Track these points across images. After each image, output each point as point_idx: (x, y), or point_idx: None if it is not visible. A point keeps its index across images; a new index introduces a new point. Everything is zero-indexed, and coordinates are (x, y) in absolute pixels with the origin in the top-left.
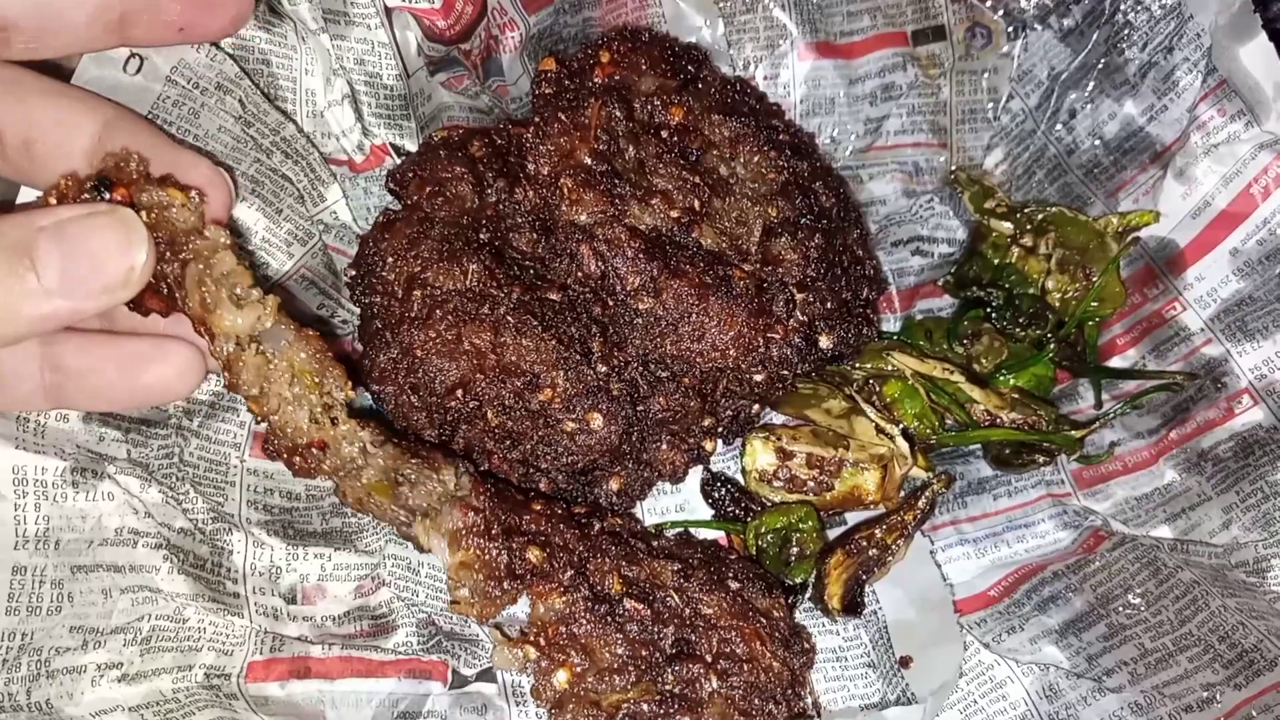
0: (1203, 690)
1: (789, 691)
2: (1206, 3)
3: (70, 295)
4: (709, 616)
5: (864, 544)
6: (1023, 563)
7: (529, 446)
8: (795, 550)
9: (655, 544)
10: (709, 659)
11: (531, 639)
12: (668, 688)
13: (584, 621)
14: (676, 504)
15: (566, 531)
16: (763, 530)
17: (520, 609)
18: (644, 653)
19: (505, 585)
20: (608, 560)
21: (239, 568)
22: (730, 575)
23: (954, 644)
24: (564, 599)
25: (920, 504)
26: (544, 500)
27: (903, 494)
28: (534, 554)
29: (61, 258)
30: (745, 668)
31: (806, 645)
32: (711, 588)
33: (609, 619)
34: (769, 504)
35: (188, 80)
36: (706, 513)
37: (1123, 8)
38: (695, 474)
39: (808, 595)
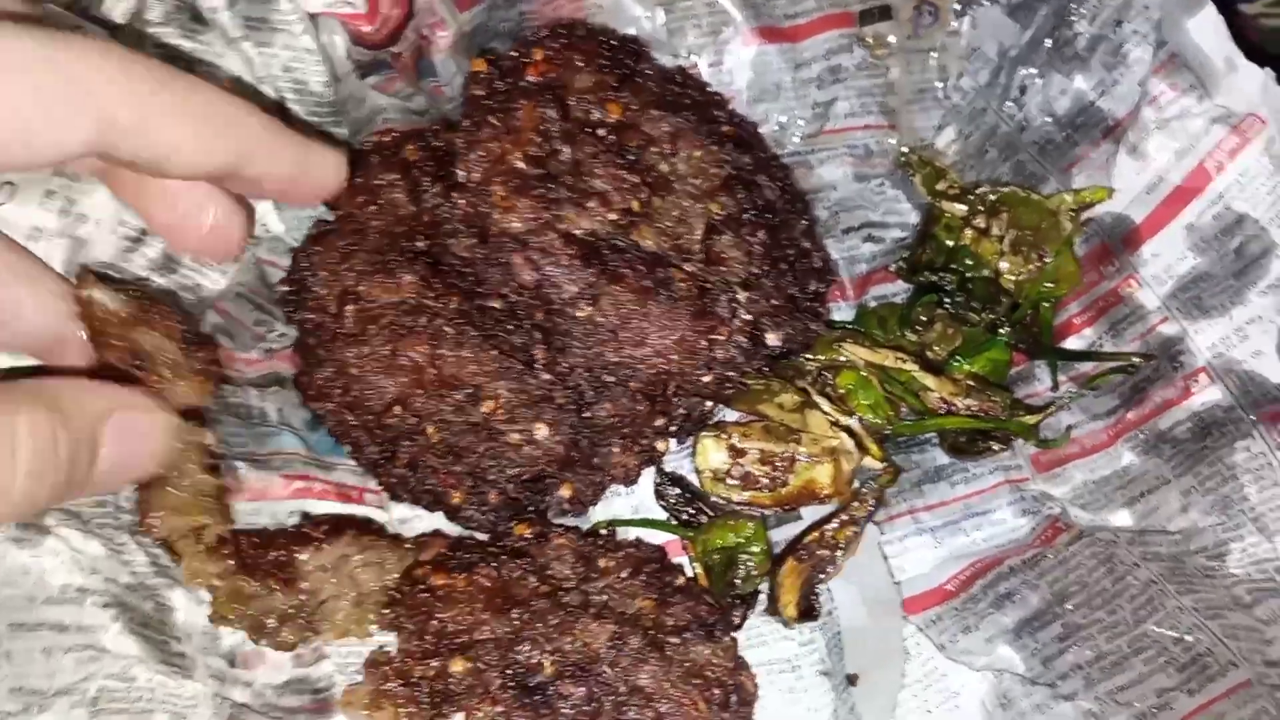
0: (1157, 696)
1: None
2: None
3: (109, 477)
4: (645, 688)
5: (815, 546)
6: (980, 554)
7: (474, 460)
8: (741, 572)
9: (600, 564)
10: None
11: None
12: None
13: (518, 717)
14: (631, 506)
15: (490, 616)
16: (709, 548)
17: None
18: None
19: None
20: (538, 637)
21: (182, 625)
22: (670, 623)
23: (896, 664)
24: (497, 707)
25: (868, 497)
26: (466, 574)
27: (856, 486)
28: (459, 666)
29: (117, 446)
30: None
31: (747, 691)
32: (647, 653)
33: (543, 707)
34: (724, 503)
35: None
36: (661, 513)
37: None
38: (650, 474)
39: (760, 609)
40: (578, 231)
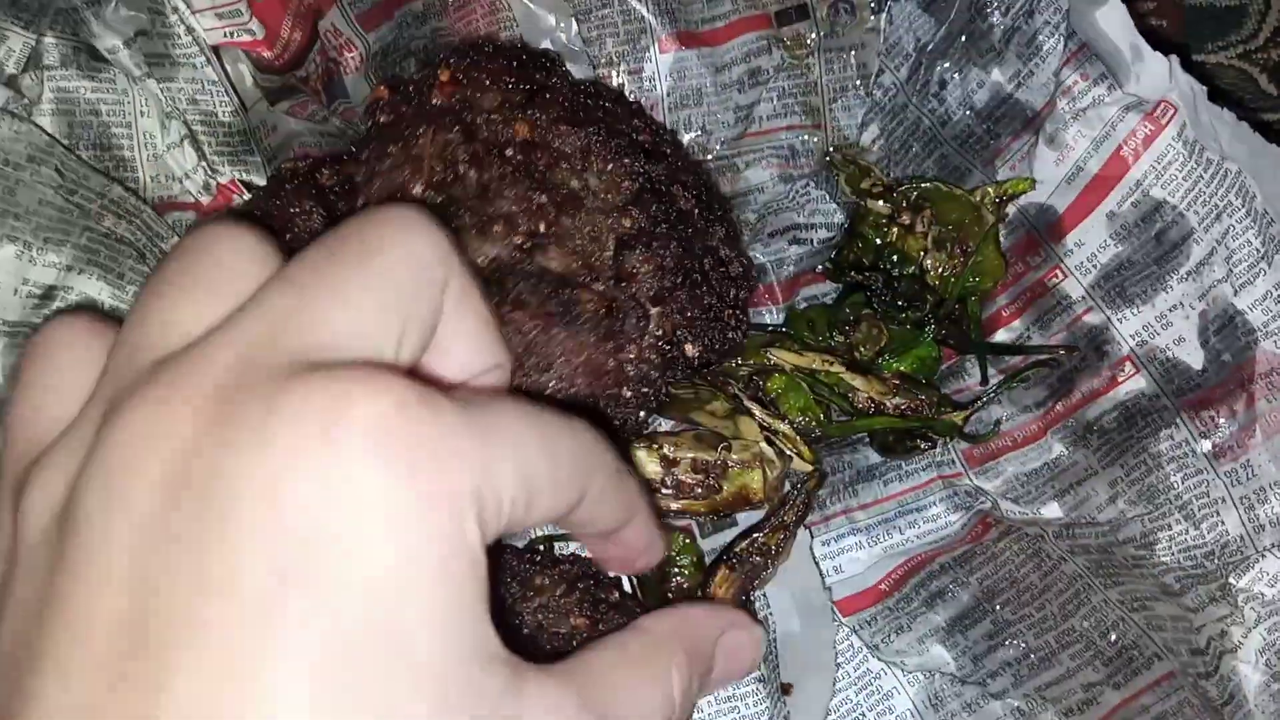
0: (1083, 691)
1: None
2: None
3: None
4: None
5: (746, 554)
6: (913, 552)
7: None
8: (673, 585)
9: (536, 583)
10: None
11: None
12: None
13: None
14: None
15: None
16: None
17: None
18: None
19: None
20: None
21: None
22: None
23: (828, 673)
24: None
25: (796, 502)
26: None
27: (787, 490)
28: None
29: (722, 667)
30: None
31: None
32: None
33: None
34: (667, 510)
35: None
36: None
37: None
38: None
39: None
40: (480, 259)
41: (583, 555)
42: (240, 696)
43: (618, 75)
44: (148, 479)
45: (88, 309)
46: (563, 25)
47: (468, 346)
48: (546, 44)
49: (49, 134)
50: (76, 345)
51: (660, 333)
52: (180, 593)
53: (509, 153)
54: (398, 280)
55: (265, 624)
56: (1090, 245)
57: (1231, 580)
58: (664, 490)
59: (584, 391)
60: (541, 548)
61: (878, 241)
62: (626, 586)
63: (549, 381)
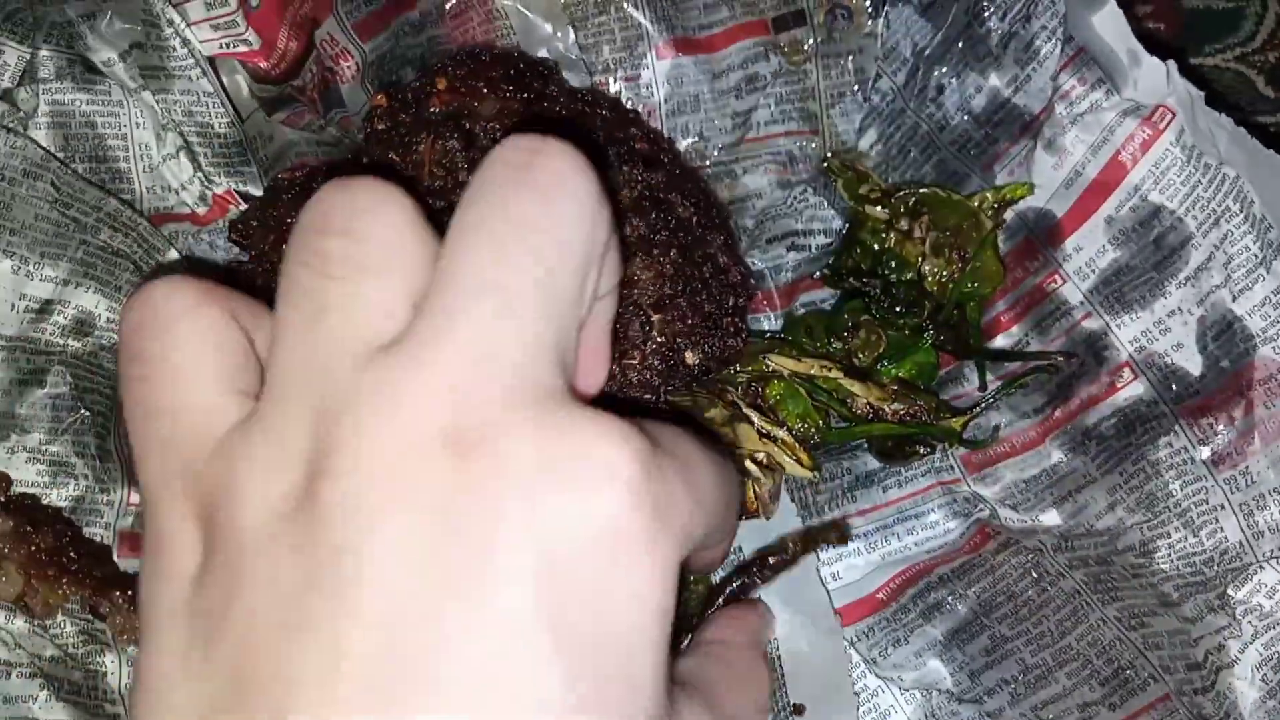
0: (1079, 711)
1: None
2: None
3: None
4: None
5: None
6: (912, 559)
7: None
8: (681, 609)
9: None
10: None
11: None
12: None
13: None
14: None
15: None
16: None
17: None
18: None
19: None
20: None
21: (115, 689)
22: None
23: (847, 698)
24: None
25: (771, 562)
26: None
27: (784, 500)
28: None
29: None
30: None
31: None
32: None
33: None
34: None
35: None
36: None
37: None
38: None
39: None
40: None
41: None
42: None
43: (614, 82)
44: (412, 516)
45: (182, 270)
46: (559, 33)
47: (607, 274)
48: (543, 52)
49: (44, 148)
50: (196, 318)
51: (661, 339)
52: (453, 633)
53: None
54: (582, 248)
55: (528, 671)
56: (1089, 250)
57: (1230, 591)
58: None
59: (586, 398)
60: None
61: (876, 247)
62: None
63: None
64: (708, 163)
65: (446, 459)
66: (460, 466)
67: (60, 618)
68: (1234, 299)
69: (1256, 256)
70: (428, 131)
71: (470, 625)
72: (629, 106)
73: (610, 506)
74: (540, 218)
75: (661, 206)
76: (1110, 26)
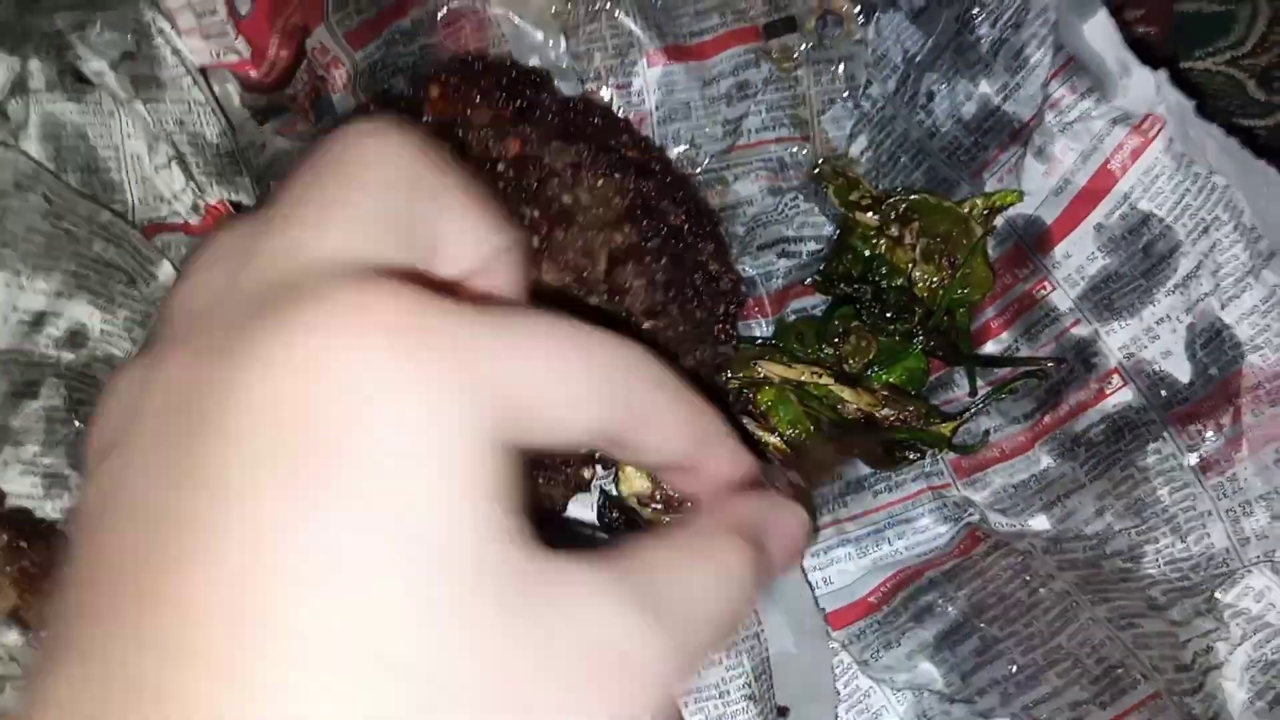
0: (1070, 710)
1: None
2: None
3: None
4: None
5: None
6: (902, 564)
7: None
8: None
9: None
10: None
11: None
12: None
13: None
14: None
15: None
16: None
17: None
18: None
19: None
20: None
21: None
22: None
23: (829, 701)
24: None
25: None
26: None
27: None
28: None
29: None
30: None
31: None
32: None
33: None
34: (659, 525)
35: None
36: (589, 538)
37: None
38: (578, 502)
39: None
40: None
41: None
42: (263, 583)
43: (606, 90)
44: (153, 402)
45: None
46: (551, 41)
47: (470, 233)
48: (535, 60)
49: (35, 160)
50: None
51: (653, 347)
52: (189, 504)
53: (501, 168)
54: (383, 194)
55: (284, 513)
56: (1078, 257)
57: (1218, 595)
58: (654, 505)
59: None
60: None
61: (866, 254)
62: None
63: None
64: (699, 170)
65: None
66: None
67: None
68: (1223, 307)
69: (1245, 265)
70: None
71: (224, 487)
72: (620, 114)
73: (372, 356)
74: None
75: (653, 214)
76: (1101, 35)
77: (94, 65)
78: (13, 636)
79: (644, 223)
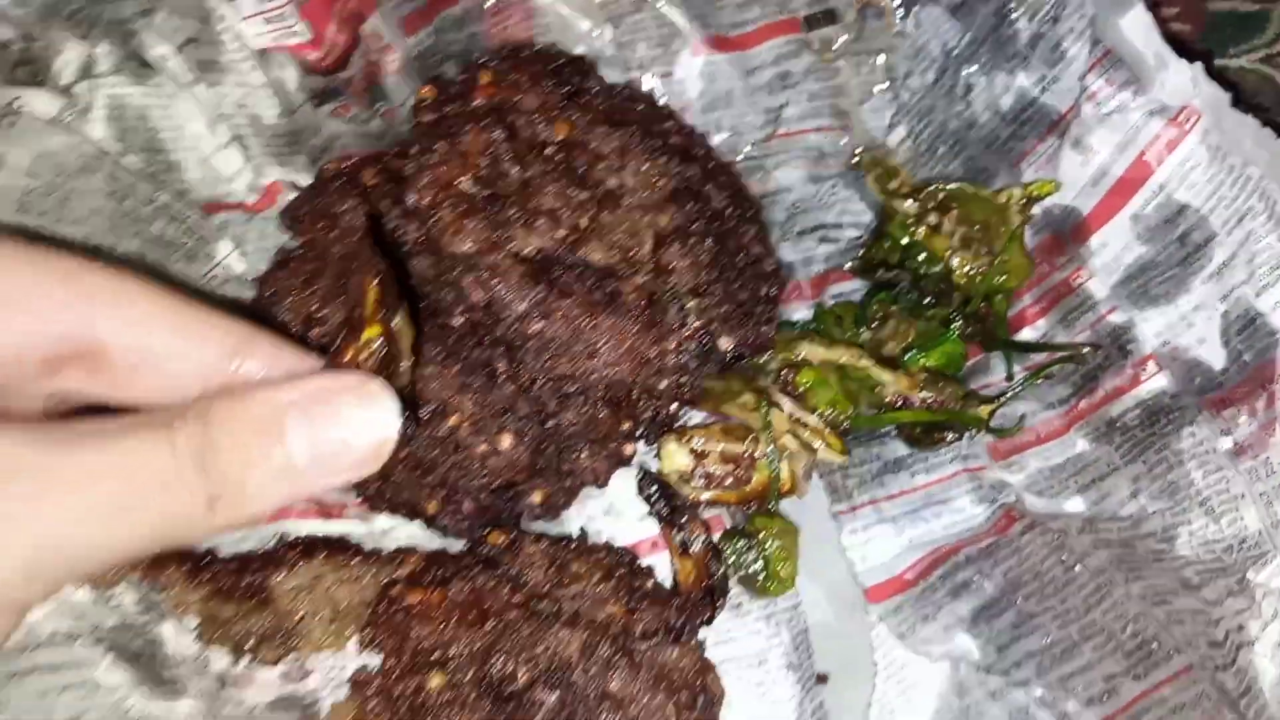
0: (1104, 682)
1: None
2: None
3: (322, 473)
4: (615, 694)
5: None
6: (939, 542)
7: (443, 472)
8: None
9: (573, 569)
10: None
11: None
12: None
13: None
14: (603, 507)
15: (465, 630)
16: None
17: None
18: None
19: None
20: (512, 648)
21: (172, 655)
22: (638, 629)
23: (867, 669)
24: (474, 716)
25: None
26: (440, 589)
27: (814, 480)
28: (435, 681)
29: (311, 434)
30: None
31: (713, 692)
32: (617, 660)
33: (518, 716)
34: (699, 501)
35: (51, 169)
36: (632, 512)
37: None
38: (621, 475)
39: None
40: (527, 250)
41: (617, 546)
42: None
43: (649, 79)
44: None
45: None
46: (596, 31)
47: None
48: (580, 48)
49: (100, 142)
50: None
51: (698, 324)
52: None
53: (549, 151)
54: None
55: None
56: (1114, 246)
57: (1250, 575)
58: (695, 481)
59: (627, 378)
60: (576, 535)
61: (905, 241)
62: (663, 577)
63: (597, 367)
64: (740, 157)
65: None
66: None
67: (121, 588)
68: (1257, 295)
69: (1279, 255)
70: (473, 122)
71: None
72: (663, 102)
73: None
74: None
75: (697, 198)
76: (1138, 29)
77: (158, 50)
78: (82, 594)
79: (688, 205)
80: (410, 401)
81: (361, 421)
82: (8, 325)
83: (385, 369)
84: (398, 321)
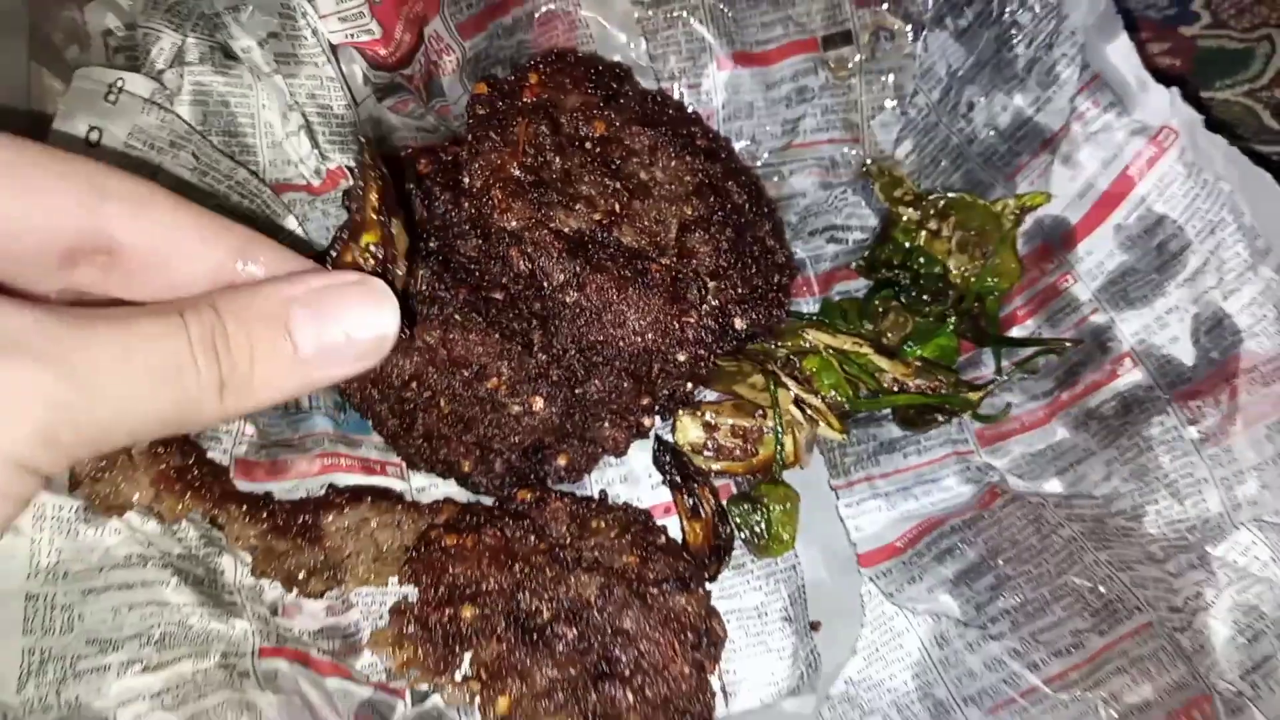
0: (1072, 636)
1: (696, 697)
2: (1079, 2)
3: (325, 364)
4: (628, 631)
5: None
6: (928, 515)
7: (481, 430)
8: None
9: (593, 525)
10: (627, 673)
11: (474, 676)
12: (592, 706)
13: (519, 653)
14: (620, 474)
15: (495, 570)
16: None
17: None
18: (572, 672)
19: (447, 659)
20: (537, 587)
21: (231, 584)
22: (651, 576)
23: (855, 617)
24: (501, 645)
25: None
26: (474, 534)
27: (815, 454)
28: (468, 613)
29: (317, 327)
30: (659, 679)
31: (717, 634)
32: (631, 601)
33: (540, 646)
34: (709, 471)
35: (144, 143)
36: (646, 480)
37: (1009, 8)
38: (637, 447)
39: (731, 555)
40: (566, 229)
41: (632, 506)
42: None
43: (679, 88)
44: None
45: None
46: (632, 43)
47: None
48: (618, 58)
49: (187, 122)
50: None
51: (716, 303)
52: None
53: (588, 145)
54: None
55: None
56: (1099, 254)
57: (1209, 549)
58: (706, 452)
59: (651, 346)
60: (598, 495)
61: (907, 244)
62: (675, 533)
63: (624, 335)
64: (758, 163)
65: None
66: None
67: (185, 524)
68: (1225, 298)
69: (1246, 261)
70: (522, 117)
71: None
72: (691, 109)
73: None
74: None
75: (719, 193)
76: (1122, 55)
77: (243, 43)
78: (151, 525)
79: (710, 199)
80: (405, 306)
81: (363, 316)
82: (34, 215)
83: (382, 272)
84: (395, 227)
